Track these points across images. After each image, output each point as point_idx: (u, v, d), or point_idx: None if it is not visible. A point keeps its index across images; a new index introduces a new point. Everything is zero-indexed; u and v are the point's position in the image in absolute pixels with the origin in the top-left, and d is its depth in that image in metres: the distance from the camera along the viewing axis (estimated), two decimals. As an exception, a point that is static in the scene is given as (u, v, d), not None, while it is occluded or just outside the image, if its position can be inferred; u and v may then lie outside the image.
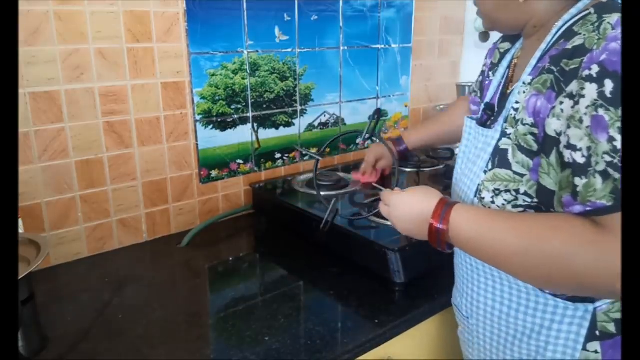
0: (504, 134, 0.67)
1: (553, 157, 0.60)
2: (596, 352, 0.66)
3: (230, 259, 1.13)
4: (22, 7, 0.94)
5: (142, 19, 1.09)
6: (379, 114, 1.10)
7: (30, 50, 0.96)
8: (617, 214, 0.53)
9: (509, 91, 0.73)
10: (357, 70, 1.54)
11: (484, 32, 1.72)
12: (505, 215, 0.64)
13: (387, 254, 0.95)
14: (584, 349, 0.67)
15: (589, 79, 0.54)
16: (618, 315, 0.65)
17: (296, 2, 1.33)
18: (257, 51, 1.29)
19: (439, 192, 0.73)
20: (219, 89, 1.25)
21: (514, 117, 0.66)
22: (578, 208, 0.56)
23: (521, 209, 0.66)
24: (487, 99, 0.79)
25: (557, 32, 0.65)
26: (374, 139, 1.19)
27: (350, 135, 1.57)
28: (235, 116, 1.30)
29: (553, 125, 0.59)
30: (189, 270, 1.07)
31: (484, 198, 0.69)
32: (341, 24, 1.45)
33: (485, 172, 0.70)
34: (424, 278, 0.98)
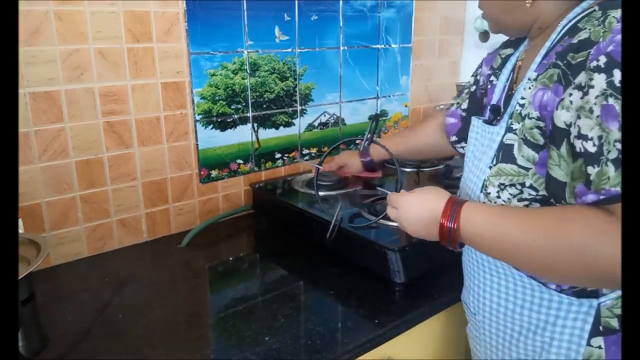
0: (509, 130, 0.68)
1: (564, 149, 0.60)
2: (600, 347, 0.66)
3: (230, 259, 1.13)
4: (22, 7, 0.94)
5: (142, 19, 1.09)
6: (377, 119, 1.10)
7: (30, 50, 0.96)
8: None
9: (513, 91, 0.74)
10: (357, 70, 1.54)
11: (484, 32, 1.72)
12: (515, 211, 0.64)
13: (387, 254, 0.95)
14: (588, 344, 0.67)
15: (597, 69, 0.55)
16: (621, 311, 0.65)
17: (296, 2, 1.33)
18: (257, 51, 1.29)
19: (446, 191, 0.73)
20: (219, 89, 1.25)
21: (520, 113, 0.66)
22: (592, 197, 0.55)
23: (526, 202, 0.67)
24: (493, 102, 0.79)
25: (561, 30, 0.66)
26: (375, 141, 1.19)
27: (350, 136, 1.57)
28: (235, 116, 1.30)
29: (562, 117, 0.59)
30: (189, 270, 1.07)
31: (489, 193, 0.70)
32: (341, 24, 1.45)
33: (490, 167, 0.70)
34: (424, 278, 0.98)
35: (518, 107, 0.67)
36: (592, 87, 0.55)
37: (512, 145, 0.67)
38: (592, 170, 0.55)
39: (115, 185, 1.13)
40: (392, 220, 0.80)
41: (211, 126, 1.26)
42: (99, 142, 1.08)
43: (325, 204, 1.18)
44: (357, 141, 1.60)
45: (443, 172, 1.41)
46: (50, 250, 1.04)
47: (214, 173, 1.29)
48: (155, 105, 1.15)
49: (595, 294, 0.66)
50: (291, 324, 0.85)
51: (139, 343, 0.81)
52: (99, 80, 1.05)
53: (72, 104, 1.03)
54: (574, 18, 0.65)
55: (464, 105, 1.03)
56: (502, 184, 0.68)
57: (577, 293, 0.67)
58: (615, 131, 0.53)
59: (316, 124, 1.49)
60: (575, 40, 0.60)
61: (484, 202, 0.71)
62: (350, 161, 1.26)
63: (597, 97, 0.54)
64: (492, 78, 0.85)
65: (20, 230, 1.01)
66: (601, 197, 0.55)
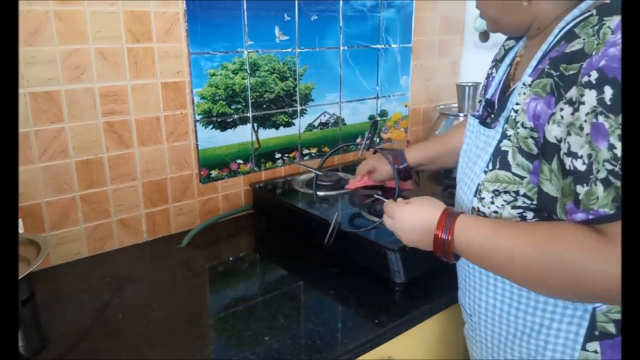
0: (504, 136, 0.67)
1: (555, 164, 0.60)
2: (595, 352, 0.66)
3: (230, 259, 1.13)
4: (22, 7, 0.94)
5: (142, 19, 1.09)
6: (375, 125, 1.07)
7: (30, 50, 0.96)
8: (619, 222, 0.53)
9: (509, 89, 0.74)
10: (357, 70, 1.54)
11: (484, 32, 1.72)
12: (509, 225, 0.64)
13: (387, 254, 0.95)
14: (583, 348, 0.67)
15: (588, 85, 0.54)
16: (618, 316, 0.65)
17: (296, 2, 1.33)
18: (257, 51, 1.29)
19: (442, 202, 0.73)
20: (219, 89, 1.25)
21: (514, 119, 0.66)
22: (581, 216, 0.56)
23: (520, 210, 0.66)
24: (488, 95, 0.79)
25: (558, 33, 0.65)
26: (373, 145, 1.16)
27: (350, 136, 1.57)
28: (235, 116, 1.30)
29: (553, 132, 0.59)
30: (189, 270, 1.07)
31: (483, 198, 0.70)
32: (341, 24, 1.45)
33: (485, 172, 0.70)
34: (424, 278, 0.98)
35: (513, 113, 0.66)
36: (583, 103, 0.54)
37: (507, 152, 0.67)
38: (581, 190, 0.55)
39: (115, 185, 1.13)
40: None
41: (211, 126, 1.26)
42: (99, 142, 1.08)
43: (325, 204, 1.18)
44: (358, 140, 1.61)
45: (443, 172, 1.41)
46: (50, 250, 1.04)
47: (214, 173, 1.29)
48: (155, 105, 1.15)
49: None
50: (291, 324, 0.85)
51: (139, 343, 0.81)
52: (99, 80, 1.05)
53: (72, 104, 1.03)
54: (571, 21, 0.64)
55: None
56: (497, 190, 0.68)
57: None
58: (604, 151, 0.53)
59: (316, 124, 1.49)
60: (568, 50, 0.59)
61: (477, 208, 0.71)
62: (379, 166, 1.13)
63: (587, 114, 0.54)
64: (493, 70, 0.85)
65: (20, 230, 1.01)
66: (590, 216, 0.55)
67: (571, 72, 0.57)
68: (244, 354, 0.77)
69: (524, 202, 0.66)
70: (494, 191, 0.68)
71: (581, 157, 0.55)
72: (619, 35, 0.54)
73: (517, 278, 0.63)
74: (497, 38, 1.70)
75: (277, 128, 1.40)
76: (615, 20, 0.56)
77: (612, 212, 0.53)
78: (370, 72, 1.58)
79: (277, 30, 1.32)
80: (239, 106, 1.30)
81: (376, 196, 1.03)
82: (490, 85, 0.80)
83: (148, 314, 0.89)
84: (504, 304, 0.74)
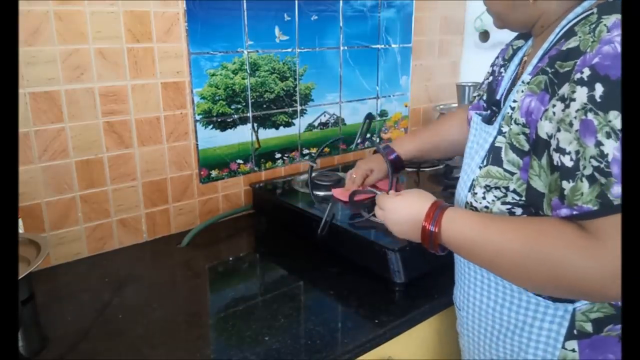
0: (499, 132, 0.69)
1: (544, 160, 0.60)
2: (573, 350, 0.68)
3: (230, 259, 1.13)
4: (22, 7, 0.94)
5: (142, 19, 1.09)
6: (370, 118, 1.08)
7: (30, 50, 0.96)
8: (602, 219, 0.53)
9: (513, 89, 0.74)
10: (357, 70, 1.54)
11: (484, 32, 1.72)
12: (495, 219, 0.65)
13: (387, 254, 0.95)
14: (563, 347, 0.68)
15: (580, 82, 0.55)
16: (596, 315, 0.66)
17: (296, 2, 1.33)
18: (257, 51, 1.29)
19: (432, 195, 0.74)
20: (219, 89, 1.25)
21: (510, 116, 0.67)
22: (565, 211, 0.56)
23: (509, 206, 0.68)
24: (497, 96, 0.79)
25: (559, 32, 0.65)
26: (367, 142, 1.17)
27: (350, 136, 1.57)
28: (235, 116, 1.30)
29: (545, 128, 0.59)
30: (189, 270, 1.07)
31: (476, 193, 0.71)
32: (341, 24, 1.45)
33: (480, 167, 0.71)
34: (424, 278, 0.98)
35: (509, 110, 0.67)
36: (574, 100, 0.55)
37: (500, 148, 0.68)
38: (566, 185, 0.56)
39: (115, 185, 1.13)
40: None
41: (211, 126, 1.26)
42: (99, 142, 1.08)
43: (324, 203, 1.18)
44: (352, 147, 1.61)
45: (443, 172, 1.41)
46: (50, 250, 1.04)
47: (214, 173, 1.29)
48: (155, 105, 1.15)
49: (571, 300, 0.67)
50: (291, 324, 0.85)
51: (139, 343, 0.81)
52: (99, 80, 1.05)
53: (72, 104, 1.03)
54: (573, 19, 0.64)
55: (485, 97, 1.03)
56: (488, 186, 0.69)
57: (554, 297, 0.68)
58: (591, 147, 0.53)
59: (316, 124, 1.49)
60: (565, 47, 0.60)
61: (470, 203, 0.73)
62: (375, 164, 1.12)
63: (577, 110, 0.54)
64: (502, 70, 0.85)
65: (20, 230, 1.01)
66: (574, 212, 0.55)
67: (566, 69, 0.58)
68: (244, 354, 0.77)
69: (513, 198, 0.67)
70: (485, 186, 0.70)
71: (569, 153, 0.55)
72: (614, 33, 0.54)
73: (503, 272, 0.64)
74: (497, 38, 1.70)
75: (277, 128, 1.40)
76: (612, 19, 0.56)
77: (595, 208, 0.53)
78: (370, 72, 1.58)
79: (277, 30, 1.32)
80: (239, 106, 1.30)
81: (369, 188, 1.03)
82: (500, 85, 0.80)
83: (148, 314, 0.89)
84: (489, 300, 0.76)
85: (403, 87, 1.69)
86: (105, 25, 1.04)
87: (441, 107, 1.73)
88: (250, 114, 1.33)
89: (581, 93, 0.54)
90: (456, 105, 1.71)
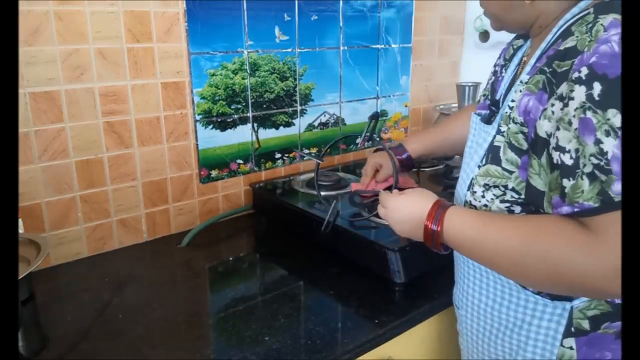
0: (498, 131, 0.69)
1: (544, 159, 0.61)
2: (571, 348, 0.68)
3: (230, 259, 1.13)
4: (22, 7, 0.94)
5: (142, 19, 1.09)
6: (377, 118, 1.08)
7: (30, 50, 0.96)
8: (603, 216, 0.54)
9: (512, 88, 0.74)
10: (357, 70, 1.54)
11: (484, 32, 1.72)
12: (497, 218, 0.65)
13: (387, 254, 0.95)
14: (561, 344, 0.69)
15: (578, 81, 0.55)
16: (593, 313, 0.67)
17: (296, 2, 1.33)
18: (257, 51, 1.29)
19: (435, 194, 0.75)
20: (219, 89, 1.25)
21: (509, 115, 0.67)
22: (566, 209, 0.57)
23: (508, 204, 0.68)
24: (497, 95, 0.80)
25: (557, 32, 0.66)
26: (373, 140, 1.17)
27: (350, 135, 1.57)
28: (235, 116, 1.30)
29: (544, 127, 0.60)
30: (189, 270, 1.07)
31: (475, 192, 0.72)
32: (341, 24, 1.45)
33: (479, 166, 0.71)
34: (424, 278, 0.98)
35: (508, 110, 0.68)
36: (572, 99, 0.55)
37: (499, 147, 0.68)
38: (567, 183, 0.56)
39: (115, 185, 1.13)
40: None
41: (211, 126, 1.26)
42: (99, 142, 1.08)
43: (326, 202, 1.18)
44: (358, 140, 1.61)
45: (443, 172, 1.41)
46: (50, 250, 1.04)
47: (214, 173, 1.29)
48: (155, 105, 1.15)
49: (569, 297, 0.67)
50: (291, 324, 0.85)
51: (139, 343, 0.81)
52: (99, 80, 1.05)
53: (72, 104, 1.03)
54: (570, 19, 0.64)
55: (490, 96, 1.03)
56: (487, 185, 0.70)
57: (552, 295, 0.68)
58: (591, 145, 0.53)
59: (316, 124, 1.49)
60: (562, 47, 0.60)
61: (470, 202, 0.73)
62: (384, 161, 1.13)
63: (576, 109, 0.55)
64: (503, 70, 0.85)
65: (20, 230, 1.01)
66: (575, 209, 0.56)
67: (563, 69, 0.58)
68: (244, 354, 0.77)
69: (512, 197, 0.68)
70: (484, 185, 0.70)
71: (569, 151, 0.56)
72: (611, 33, 0.55)
73: (504, 270, 0.64)
74: (497, 38, 1.70)
75: (277, 128, 1.40)
76: (609, 18, 0.56)
77: (596, 205, 0.53)
78: (370, 72, 1.58)
79: (277, 30, 1.32)
80: (239, 106, 1.30)
81: (375, 190, 1.03)
82: (500, 85, 0.80)
83: (148, 314, 0.89)
84: (488, 299, 0.76)
85: (403, 87, 1.69)
86: (105, 25, 1.04)
87: (441, 107, 1.73)
88: (250, 114, 1.33)
89: (580, 92, 0.55)
90: (456, 105, 1.71)
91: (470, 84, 1.62)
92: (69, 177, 1.06)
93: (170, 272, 1.06)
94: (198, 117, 1.22)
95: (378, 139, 1.67)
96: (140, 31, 1.09)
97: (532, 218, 0.63)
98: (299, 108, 1.43)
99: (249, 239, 1.27)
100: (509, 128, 0.67)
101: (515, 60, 0.80)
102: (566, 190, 0.56)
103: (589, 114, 0.53)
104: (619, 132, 0.52)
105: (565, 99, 0.56)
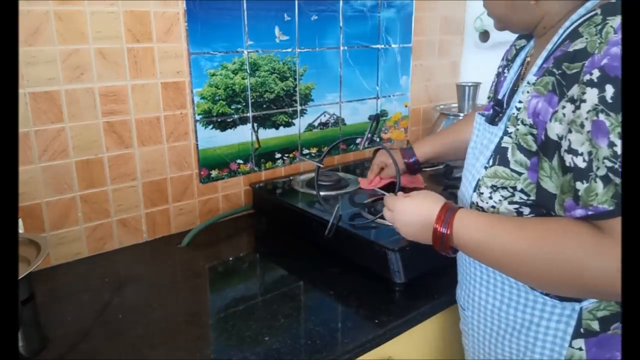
0: (505, 132, 0.68)
1: (555, 161, 0.60)
2: (580, 349, 0.68)
3: (230, 259, 1.13)
4: (22, 7, 0.94)
5: (142, 19, 1.09)
6: (378, 119, 1.08)
7: (30, 50, 0.96)
8: (618, 218, 0.53)
9: (517, 88, 0.74)
10: (357, 70, 1.54)
11: (484, 32, 1.72)
12: (506, 220, 0.65)
13: (387, 254, 0.95)
14: (570, 345, 0.68)
15: (590, 83, 0.55)
16: (602, 314, 0.66)
17: (296, 2, 1.33)
18: (257, 51, 1.29)
19: (441, 196, 0.74)
20: (219, 89, 1.25)
21: (516, 117, 0.67)
22: (580, 212, 0.56)
23: (517, 206, 0.67)
24: (500, 95, 0.79)
25: (563, 33, 0.65)
26: (373, 141, 1.17)
27: (350, 136, 1.57)
28: (235, 116, 1.30)
29: (555, 129, 0.59)
30: (189, 270, 1.07)
31: (482, 193, 0.71)
32: (341, 24, 1.45)
33: (485, 168, 0.71)
34: (424, 278, 0.98)
35: (515, 111, 0.67)
36: (585, 101, 0.55)
37: (507, 149, 0.68)
38: (580, 186, 0.56)
39: (115, 185, 1.13)
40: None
41: (211, 126, 1.26)
42: (99, 142, 1.08)
43: (326, 204, 1.18)
44: (358, 140, 1.61)
45: (443, 172, 1.41)
46: (50, 250, 1.04)
47: (214, 173, 1.29)
48: (155, 105, 1.15)
49: (578, 298, 0.67)
50: (291, 324, 0.85)
51: (139, 343, 0.81)
52: (99, 80, 1.05)
53: (72, 104, 1.03)
54: (577, 20, 0.64)
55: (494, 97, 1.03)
56: (495, 186, 0.69)
57: (561, 296, 0.68)
58: (604, 148, 0.53)
59: (316, 124, 1.49)
60: (571, 49, 0.59)
61: (476, 203, 0.73)
62: (389, 161, 1.16)
63: (588, 112, 0.54)
64: (505, 70, 0.85)
65: (20, 230, 1.01)
66: (589, 212, 0.55)
67: (573, 71, 0.58)
68: (244, 354, 0.77)
69: (520, 198, 0.67)
70: (492, 186, 0.69)
71: (581, 154, 0.55)
72: (621, 34, 0.54)
73: (514, 273, 0.64)
74: (497, 38, 1.70)
75: (277, 128, 1.40)
76: (618, 20, 0.56)
77: (611, 208, 0.53)
78: (370, 72, 1.58)
79: (277, 30, 1.32)
80: (239, 106, 1.30)
81: (376, 189, 1.03)
82: (502, 85, 0.80)
83: (148, 314, 0.89)
84: (495, 300, 0.75)
85: (403, 87, 1.69)
86: (105, 25, 1.04)
87: (441, 107, 1.73)
88: (250, 114, 1.33)
89: (592, 94, 0.54)
90: (456, 105, 1.71)
91: (470, 84, 1.62)
92: (69, 177, 1.06)
93: (170, 272, 1.06)
94: (198, 117, 1.22)
95: (378, 139, 1.67)
96: (140, 31, 1.09)
97: (542, 220, 0.62)
98: (299, 108, 1.43)
99: (249, 239, 1.27)
100: (517, 129, 0.66)
101: (518, 61, 0.80)
102: (579, 193, 0.56)
103: (601, 116, 0.53)
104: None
105: (577, 102, 0.56)
